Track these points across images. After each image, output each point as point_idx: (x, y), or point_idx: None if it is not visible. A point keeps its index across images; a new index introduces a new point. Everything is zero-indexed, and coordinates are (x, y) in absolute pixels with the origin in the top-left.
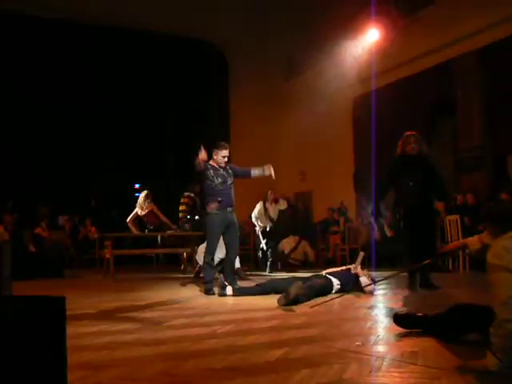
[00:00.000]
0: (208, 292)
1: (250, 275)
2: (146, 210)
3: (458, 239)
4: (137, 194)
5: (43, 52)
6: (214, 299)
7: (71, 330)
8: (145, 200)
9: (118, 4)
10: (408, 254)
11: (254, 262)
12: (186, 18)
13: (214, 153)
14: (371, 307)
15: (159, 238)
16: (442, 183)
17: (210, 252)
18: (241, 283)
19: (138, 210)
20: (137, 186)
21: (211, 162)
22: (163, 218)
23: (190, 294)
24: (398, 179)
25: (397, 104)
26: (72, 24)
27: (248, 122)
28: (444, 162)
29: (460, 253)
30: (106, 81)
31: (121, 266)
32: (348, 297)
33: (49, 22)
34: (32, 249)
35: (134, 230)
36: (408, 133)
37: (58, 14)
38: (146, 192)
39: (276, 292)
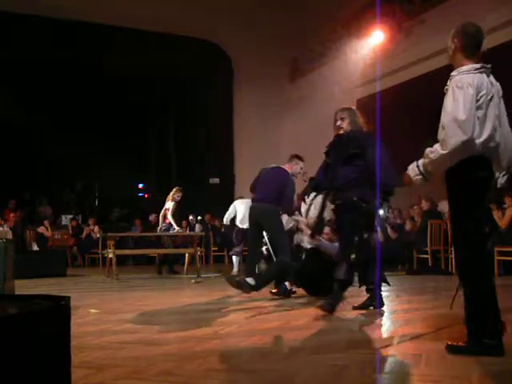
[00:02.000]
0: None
1: None
2: (167, 206)
3: None
4: (140, 194)
5: (45, 52)
6: (216, 299)
7: (74, 329)
8: (172, 195)
9: (122, 3)
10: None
11: None
12: (190, 18)
13: (294, 162)
14: (373, 309)
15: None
16: (381, 173)
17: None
18: None
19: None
20: (140, 185)
21: (288, 169)
22: (168, 220)
23: (193, 294)
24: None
25: (401, 106)
26: (76, 23)
27: (252, 122)
28: None
29: None
30: (109, 81)
31: (123, 266)
32: (350, 299)
33: (52, 21)
34: (35, 247)
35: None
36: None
37: (61, 13)
38: (176, 188)
39: None
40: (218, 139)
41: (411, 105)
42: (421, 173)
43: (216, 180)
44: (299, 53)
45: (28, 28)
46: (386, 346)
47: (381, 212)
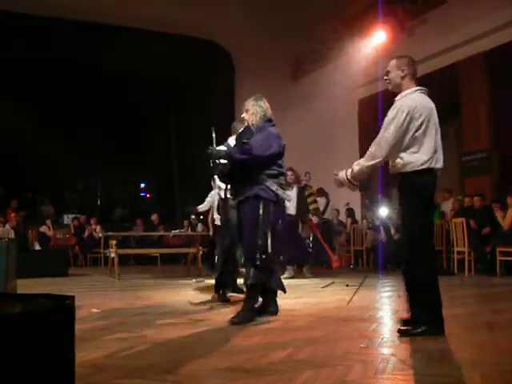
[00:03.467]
0: None
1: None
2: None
3: (464, 243)
4: (142, 194)
5: (45, 51)
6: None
7: (75, 328)
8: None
9: (123, 3)
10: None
11: None
12: (193, 17)
13: None
14: (376, 309)
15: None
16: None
17: None
18: None
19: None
20: (142, 185)
21: None
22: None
23: (194, 294)
24: None
25: None
26: (76, 23)
27: None
28: (449, 164)
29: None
30: (110, 80)
31: (125, 266)
32: (352, 298)
33: (52, 21)
34: (37, 247)
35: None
36: None
37: (60, 13)
38: None
39: None
40: (220, 138)
41: None
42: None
43: None
44: (301, 52)
45: (28, 27)
46: (389, 346)
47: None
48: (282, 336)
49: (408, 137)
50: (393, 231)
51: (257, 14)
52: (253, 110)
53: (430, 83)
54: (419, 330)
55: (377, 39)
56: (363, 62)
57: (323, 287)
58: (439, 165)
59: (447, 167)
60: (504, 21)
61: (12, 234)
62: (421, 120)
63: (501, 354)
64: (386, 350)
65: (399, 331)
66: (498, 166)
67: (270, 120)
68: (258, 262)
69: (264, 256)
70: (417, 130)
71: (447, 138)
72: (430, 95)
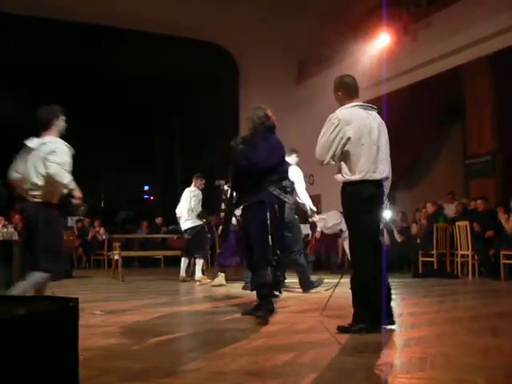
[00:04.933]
0: None
1: None
2: None
3: (468, 246)
4: (146, 196)
5: (48, 52)
6: (221, 302)
7: (79, 330)
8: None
9: (127, 6)
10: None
11: None
12: (197, 21)
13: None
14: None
15: None
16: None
17: None
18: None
19: None
20: (146, 187)
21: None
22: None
23: (198, 296)
24: None
25: (407, 109)
26: (78, 24)
27: None
28: (454, 167)
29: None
30: (114, 81)
31: (129, 268)
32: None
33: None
34: None
35: None
36: None
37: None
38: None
39: None
40: (224, 141)
41: (417, 107)
42: None
43: (222, 182)
44: (305, 55)
45: (29, 29)
46: (392, 350)
47: None
48: (286, 339)
49: (339, 145)
50: (396, 234)
51: (261, 16)
52: (248, 124)
53: (433, 86)
54: (357, 327)
55: (381, 42)
56: (367, 64)
57: (327, 290)
58: (379, 176)
59: (451, 170)
60: (508, 23)
61: (16, 236)
62: (352, 131)
63: (505, 358)
64: (389, 354)
65: (338, 328)
66: (502, 168)
67: (270, 128)
68: (273, 263)
69: (276, 257)
70: (348, 140)
71: (451, 141)
72: (434, 98)
